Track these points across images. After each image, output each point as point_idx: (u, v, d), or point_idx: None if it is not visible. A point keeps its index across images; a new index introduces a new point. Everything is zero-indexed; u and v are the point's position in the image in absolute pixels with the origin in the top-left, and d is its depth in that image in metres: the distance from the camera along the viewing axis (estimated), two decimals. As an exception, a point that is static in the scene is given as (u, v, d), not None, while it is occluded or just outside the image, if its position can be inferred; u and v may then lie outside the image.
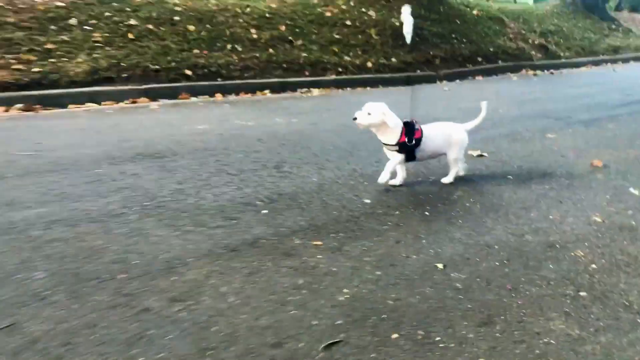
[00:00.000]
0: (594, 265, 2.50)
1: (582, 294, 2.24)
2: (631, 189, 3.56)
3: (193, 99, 7.05)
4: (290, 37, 9.20)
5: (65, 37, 7.44)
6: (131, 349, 1.82)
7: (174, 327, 1.95)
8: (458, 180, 3.63)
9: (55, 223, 2.79)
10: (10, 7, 7.78)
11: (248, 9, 9.53)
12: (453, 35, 11.21)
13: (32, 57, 6.87)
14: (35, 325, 1.95)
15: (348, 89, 8.42)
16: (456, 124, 3.65)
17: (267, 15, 9.61)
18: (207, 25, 8.69)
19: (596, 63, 13.07)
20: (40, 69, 6.69)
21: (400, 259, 2.50)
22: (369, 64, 9.34)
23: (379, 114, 3.33)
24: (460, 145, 3.58)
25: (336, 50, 9.37)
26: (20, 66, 6.65)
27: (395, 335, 1.93)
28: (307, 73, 8.61)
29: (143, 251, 2.52)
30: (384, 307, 2.12)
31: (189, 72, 7.56)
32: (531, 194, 3.45)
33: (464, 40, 11.25)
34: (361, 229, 2.84)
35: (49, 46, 7.15)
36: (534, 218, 3.06)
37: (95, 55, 7.23)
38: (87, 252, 2.49)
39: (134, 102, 6.69)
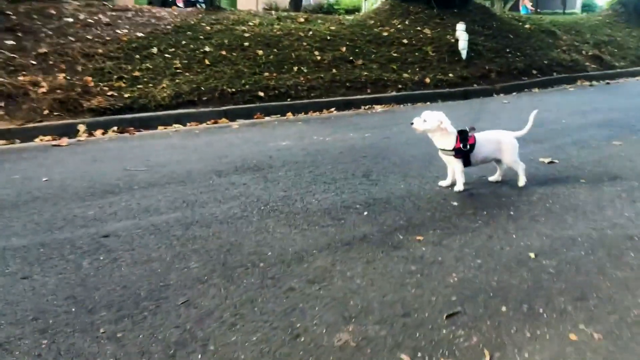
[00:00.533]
0: None
1: None
2: (701, 189, 3.82)
3: (267, 118, 7.58)
4: (351, 57, 9.69)
5: (149, 65, 8.14)
6: (289, 318, 2.26)
7: (318, 302, 2.38)
8: (535, 184, 3.97)
9: (192, 225, 3.29)
10: (98, 40, 8.57)
11: (310, 33, 10.10)
12: (507, 50, 11.47)
13: (122, 84, 7.57)
14: (206, 301, 2.42)
15: (408, 104, 8.81)
16: (505, 131, 4.00)
17: (328, 37, 10.15)
18: (274, 50, 9.27)
19: (653, 72, 13.05)
20: (130, 95, 7.36)
21: (496, 250, 2.88)
22: (427, 80, 9.72)
23: (435, 121, 3.72)
24: (512, 149, 3.93)
25: (395, 67, 9.80)
26: (113, 92, 7.35)
27: (504, 308, 2.31)
28: (368, 90, 9.06)
29: (272, 245, 2.98)
30: (489, 287, 2.50)
31: (261, 94, 8.12)
32: (605, 195, 3.75)
33: (518, 54, 11.49)
34: (455, 226, 3.22)
35: (136, 74, 7.85)
36: (610, 216, 3.38)
37: (177, 81, 7.88)
38: (227, 246, 2.97)
39: (215, 123, 7.28)
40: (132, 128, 6.80)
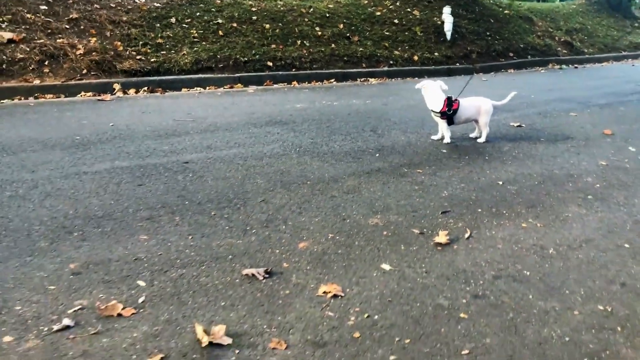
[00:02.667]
0: (598, 185, 4.03)
1: (590, 197, 3.77)
2: (630, 147, 5.06)
3: (275, 85, 8.64)
4: (348, 34, 10.75)
5: (169, 33, 9.10)
6: (336, 210, 3.40)
7: (354, 203, 3.53)
8: (505, 140, 5.15)
9: (248, 157, 4.39)
10: (121, 8, 9.47)
11: (311, 9, 11.11)
12: (487, 33, 12.63)
13: (148, 50, 8.54)
14: (276, 200, 3.54)
15: (399, 78, 9.95)
16: (485, 98, 5.02)
17: (327, 14, 11.17)
18: (279, 24, 10.27)
19: (617, 59, 14.37)
20: (156, 60, 8.34)
21: (474, 179, 4.06)
22: (415, 58, 10.85)
23: (432, 85, 4.87)
24: (487, 114, 4.96)
25: (387, 45, 10.90)
26: (140, 57, 8.32)
27: (479, 210, 3.48)
28: (364, 65, 10.16)
29: (313, 172, 4.11)
30: (470, 199, 3.67)
31: (270, 64, 9.15)
32: (557, 149, 4.96)
33: (497, 37, 12.67)
34: (445, 165, 4.39)
35: (159, 41, 8.81)
36: (560, 162, 4.59)
37: (195, 49, 8.86)
38: (280, 172, 4.09)
39: (231, 87, 8.31)
40: (160, 89, 7.78)
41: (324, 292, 2.43)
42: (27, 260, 2.62)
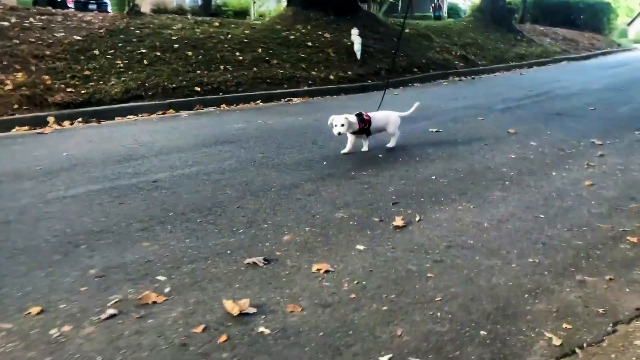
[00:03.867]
0: (512, 173, 4.86)
1: (507, 183, 4.58)
2: (531, 142, 5.99)
3: (205, 109, 9.06)
4: (267, 57, 11.37)
5: (95, 65, 9.30)
6: (305, 209, 3.96)
7: (318, 202, 4.09)
8: (429, 144, 5.92)
9: (211, 173, 4.83)
10: (41, 42, 9.58)
11: (229, 36, 11.66)
12: (392, 51, 13.70)
13: (77, 82, 8.71)
14: (250, 205, 4.03)
15: (319, 97, 10.66)
16: (392, 111, 5.75)
17: (245, 40, 11.76)
18: (201, 51, 10.73)
19: (507, 69, 15.98)
20: (86, 91, 8.53)
21: (411, 176, 4.75)
22: (332, 77, 11.64)
23: (345, 121, 5.14)
24: (395, 123, 5.63)
25: (304, 66, 11.62)
26: (70, 89, 8.48)
27: (422, 199, 4.17)
28: (285, 86, 10.80)
29: (274, 181, 4.62)
30: (412, 191, 4.35)
31: (197, 89, 9.57)
32: (474, 148, 5.80)
33: (401, 54, 13.75)
34: (384, 167, 5.07)
35: (86, 72, 9.00)
36: (478, 158, 5.40)
37: (123, 78, 9.12)
38: (244, 182, 4.58)
39: (164, 113, 8.64)
40: (94, 119, 8.00)
41: (317, 270, 2.98)
42: (50, 271, 2.97)
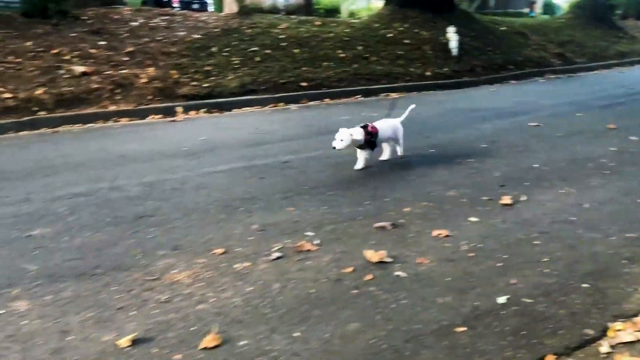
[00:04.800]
0: (612, 164, 5.17)
1: (607, 172, 4.92)
2: (632, 137, 6.23)
3: (310, 102, 9.79)
4: (366, 55, 11.97)
5: (214, 61, 10.27)
6: (424, 191, 4.54)
7: (433, 183, 4.65)
8: (529, 136, 6.30)
9: (331, 157, 5.51)
10: (167, 40, 10.67)
11: (331, 34, 12.35)
12: (488, 48, 13.91)
13: (200, 77, 9.69)
14: (374, 182, 4.67)
15: (416, 92, 11.15)
16: (392, 118, 5.32)
17: (346, 38, 12.41)
18: (306, 49, 11.49)
19: (606, 67, 15.68)
20: (208, 85, 9.49)
21: (516, 164, 5.19)
22: (428, 73, 12.07)
23: (348, 136, 4.66)
24: (401, 131, 5.26)
25: (401, 63, 12.13)
26: (195, 83, 9.47)
27: (527, 183, 4.63)
28: (383, 81, 11.37)
29: (389, 164, 5.24)
30: (517, 177, 4.80)
31: (304, 84, 10.34)
32: (573, 141, 6.10)
33: (497, 51, 13.94)
34: (489, 155, 5.53)
35: (207, 68, 9.97)
36: (579, 149, 5.72)
37: (239, 74, 10.03)
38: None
39: (275, 106, 9.46)
40: (215, 110, 8.93)
41: (438, 234, 3.55)
42: (221, 225, 3.73)
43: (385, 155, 5.33)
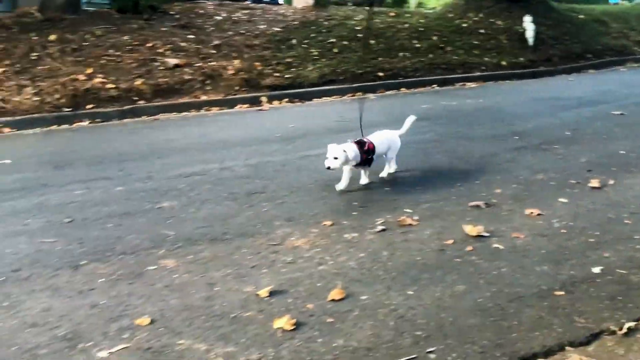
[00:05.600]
0: None
1: None
2: None
3: (387, 92, 10.07)
4: (441, 45, 12.10)
5: (294, 53, 10.70)
6: (512, 174, 4.77)
7: (521, 168, 4.87)
8: (612, 124, 6.36)
9: (424, 142, 5.80)
10: (249, 34, 11.18)
11: (406, 25, 12.55)
12: (565, 37, 13.69)
13: (281, 68, 10.15)
14: (468, 168, 4.93)
15: (492, 82, 11.20)
16: (393, 131, 4.72)
17: (420, 29, 12.57)
18: (382, 39, 11.74)
19: (692, 54, 15.07)
20: (289, 76, 9.93)
21: (600, 150, 5.31)
22: (503, 63, 12.06)
23: (342, 153, 4.03)
24: (397, 146, 4.63)
25: (477, 53, 12.17)
26: (277, 74, 9.94)
27: (614, 168, 4.77)
28: (459, 71, 11.48)
29: (474, 151, 5.47)
30: (603, 163, 4.94)
31: (380, 74, 10.61)
32: None
33: (575, 40, 13.70)
34: (576, 141, 5.67)
35: (288, 60, 10.42)
36: None
37: (318, 65, 10.42)
38: (451, 151, 5.48)
39: (353, 95, 9.79)
40: (297, 99, 9.36)
41: (530, 213, 3.80)
42: (323, 202, 4.12)
43: (386, 171, 4.66)
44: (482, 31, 12.85)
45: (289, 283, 2.88)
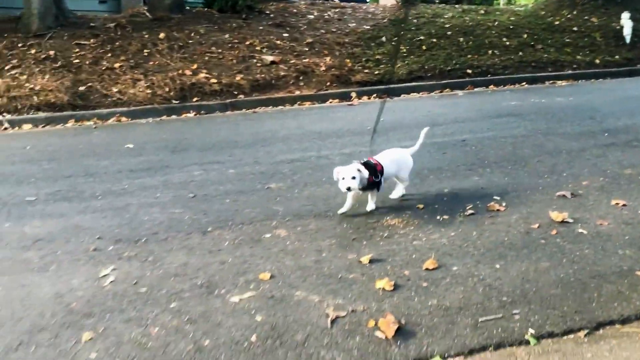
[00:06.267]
0: None
1: None
2: None
3: (476, 89, 10.21)
4: (532, 43, 12.04)
5: (383, 50, 11.05)
6: (600, 169, 4.92)
7: (608, 162, 5.00)
8: None
9: (505, 138, 6.01)
10: (340, 32, 11.63)
11: (496, 23, 12.56)
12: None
13: (371, 65, 10.54)
14: (551, 160, 5.12)
15: (583, 80, 11.04)
16: (400, 149, 4.33)
17: (511, 26, 12.55)
18: (471, 37, 11.85)
19: None
20: (378, 72, 10.30)
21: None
22: (597, 61, 11.84)
23: (357, 172, 3.67)
24: (409, 167, 4.23)
25: (569, 51, 12.02)
26: (366, 70, 10.33)
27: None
28: (549, 69, 11.39)
29: (560, 146, 5.62)
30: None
31: (469, 71, 10.76)
32: None
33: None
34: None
35: (377, 57, 10.79)
36: None
37: (406, 62, 10.72)
38: (534, 145, 5.66)
39: (441, 92, 10.02)
40: (385, 95, 9.71)
41: (616, 203, 3.98)
42: (416, 188, 4.47)
43: (397, 192, 4.29)
44: (575, 29, 12.66)
45: (386, 253, 3.28)
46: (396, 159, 4.14)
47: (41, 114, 8.22)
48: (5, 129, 7.91)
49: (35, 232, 3.80)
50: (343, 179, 3.68)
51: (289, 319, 2.61)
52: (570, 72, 11.25)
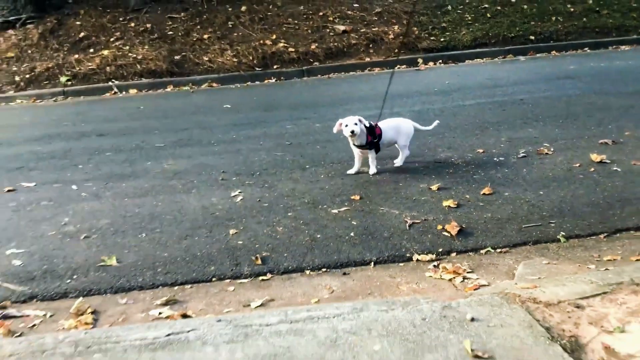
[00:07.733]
0: None
1: None
2: None
3: (537, 55, 10.68)
4: (597, 8, 12.27)
5: (449, 18, 11.63)
6: None
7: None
8: None
9: (561, 97, 6.65)
10: (408, 1, 12.24)
11: (562, -11, 12.81)
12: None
13: (437, 32, 11.17)
14: (599, 116, 5.79)
15: (648, 45, 11.26)
16: (404, 119, 4.62)
17: (576, -8, 12.77)
18: (535, 4, 12.21)
19: None
20: (444, 39, 10.93)
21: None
22: (665, 25, 11.96)
23: (357, 120, 4.23)
24: (407, 134, 4.53)
25: (635, 15, 12.18)
26: (432, 38, 10.98)
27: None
28: (613, 34, 11.65)
29: (612, 104, 6.25)
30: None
31: (532, 37, 11.21)
32: None
33: None
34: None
35: (443, 25, 11.40)
36: None
37: (471, 29, 11.27)
38: (588, 103, 6.31)
39: (504, 57, 10.56)
40: (450, 61, 10.37)
41: (651, 149, 4.67)
42: (477, 137, 5.28)
43: (400, 159, 4.64)
44: (643, -7, 12.70)
45: (451, 183, 4.15)
46: (395, 126, 4.51)
47: (144, 80, 9.44)
48: (115, 93, 9.17)
49: (173, 168, 4.89)
50: (347, 126, 4.20)
51: (377, 224, 3.55)
52: (635, 36, 11.47)
